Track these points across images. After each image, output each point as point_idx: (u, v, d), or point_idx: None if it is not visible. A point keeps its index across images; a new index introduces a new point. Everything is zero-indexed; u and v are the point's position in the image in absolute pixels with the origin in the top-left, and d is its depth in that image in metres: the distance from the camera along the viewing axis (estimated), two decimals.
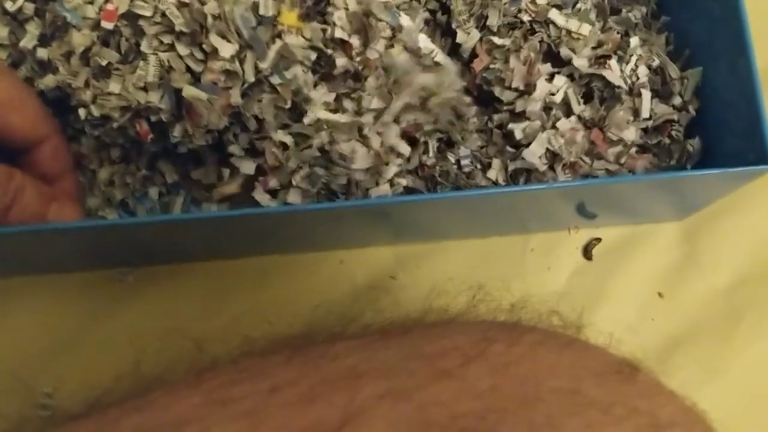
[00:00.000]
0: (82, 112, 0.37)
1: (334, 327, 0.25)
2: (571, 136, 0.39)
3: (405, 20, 0.37)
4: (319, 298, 0.43)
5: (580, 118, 0.40)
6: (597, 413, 0.21)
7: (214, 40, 0.34)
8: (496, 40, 0.39)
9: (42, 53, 0.38)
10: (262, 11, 0.34)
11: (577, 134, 0.39)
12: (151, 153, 0.42)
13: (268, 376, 0.21)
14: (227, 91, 0.35)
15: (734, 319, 0.43)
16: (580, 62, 0.39)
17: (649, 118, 0.40)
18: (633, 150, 0.40)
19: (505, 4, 0.40)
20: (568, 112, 0.40)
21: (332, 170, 0.38)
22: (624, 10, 0.42)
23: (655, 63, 0.40)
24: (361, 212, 0.37)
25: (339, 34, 0.36)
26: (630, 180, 0.37)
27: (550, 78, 0.39)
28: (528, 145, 0.39)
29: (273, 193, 0.39)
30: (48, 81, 0.38)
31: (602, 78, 0.39)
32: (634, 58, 0.40)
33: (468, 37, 0.40)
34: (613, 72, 0.39)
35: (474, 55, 0.40)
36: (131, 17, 0.36)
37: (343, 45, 0.36)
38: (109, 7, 0.36)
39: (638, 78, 0.40)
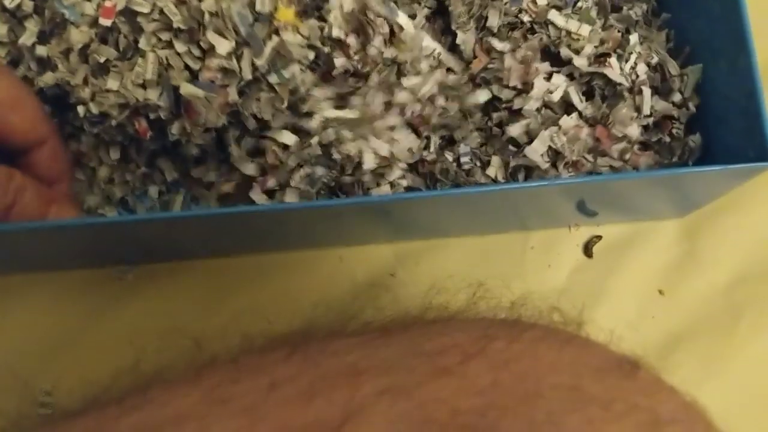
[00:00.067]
0: (80, 109, 0.37)
1: (334, 324, 0.25)
2: (575, 133, 0.39)
3: (404, 18, 0.37)
4: (319, 296, 0.43)
5: (581, 115, 0.39)
6: (597, 409, 0.21)
7: (211, 37, 0.34)
8: (496, 43, 0.39)
9: (41, 50, 0.38)
10: (258, 7, 0.34)
11: (581, 131, 0.39)
12: (151, 150, 0.42)
13: (268, 373, 0.21)
14: (225, 89, 0.35)
15: (734, 316, 0.43)
16: (581, 62, 0.39)
17: (650, 115, 0.40)
18: (635, 147, 0.40)
19: (505, 4, 0.40)
20: (568, 111, 0.40)
21: (334, 170, 0.38)
22: (625, 8, 0.42)
23: (655, 60, 0.40)
24: (360, 210, 0.37)
25: (336, 33, 0.36)
26: (629, 177, 0.37)
27: (549, 77, 0.39)
28: (529, 142, 0.39)
29: (270, 193, 0.39)
30: (47, 78, 0.37)
31: (603, 76, 0.39)
32: (633, 56, 0.40)
33: (468, 38, 0.40)
34: (614, 70, 0.39)
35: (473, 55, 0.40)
36: (129, 14, 0.36)
37: (341, 44, 0.36)
38: (108, 4, 0.36)
39: (638, 76, 0.40)
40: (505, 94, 0.40)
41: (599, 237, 0.44)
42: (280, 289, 0.43)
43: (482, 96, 0.40)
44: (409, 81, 0.37)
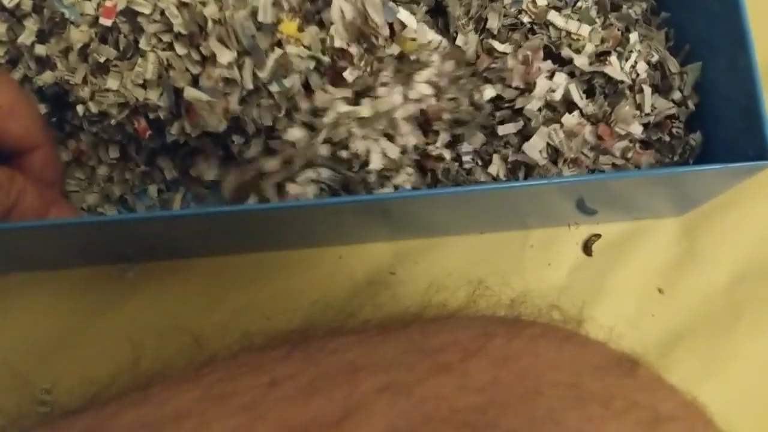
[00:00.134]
0: (80, 108, 0.37)
1: (333, 322, 0.25)
2: (578, 131, 0.39)
3: (404, 15, 0.37)
4: (318, 294, 0.43)
5: (582, 113, 0.39)
6: (597, 407, 0.21)
7: (214, 45, 0.34)
8: (497, 45, 0.39)
9: (40, 50, 0.38)
10: (261, 18, 0.34)
11: (584, 129, 0.39)
12: (150, 149, 0.42)
13: (267, 370, 0.21)
14: (226, 96, 0.35)
15: (734, 314, 0.43)
16: (581, 61, 0.39)
17: (651, 114, 0.40)
18: (637, 146, 0.40)
19: (505, 6, 0.40)
20: (570, 109, 0.40)
21: (339, 171, 0.38)
22: (624, 6, 0.42)
23: (655, 58, 0.40)
24: (360, 208, 0.37)
25: (338, 44, 0.36)
26: (628, 175, 0.37)
27: (551, 75, 0.39)
28: (527, 139, 0.39)
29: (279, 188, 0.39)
30: (46, 77, 0.37)
31: (604, 74, 0.39)
32: (634, 55, 0.40)
33: (468, 40, 0.40)
34: (614, 68, 0.39)
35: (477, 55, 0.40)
36: (130, 14, 0.36)
37: (343, 53, 0.36)
38: (108, 3, 0.36)
39: (638, 74, 0.40)
40: (508, 93, 0.40)
41: (598, 235, 0.44)
42: (280, 287, 0.43)
43: (489, 92, 0.40)
44: (421, 76, 0.37)
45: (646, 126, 0.40)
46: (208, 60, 0.35)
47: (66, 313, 0.42)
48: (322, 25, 0.36)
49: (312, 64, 0.36)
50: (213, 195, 0.43)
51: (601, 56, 0.39)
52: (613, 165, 0.40)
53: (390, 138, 0.39)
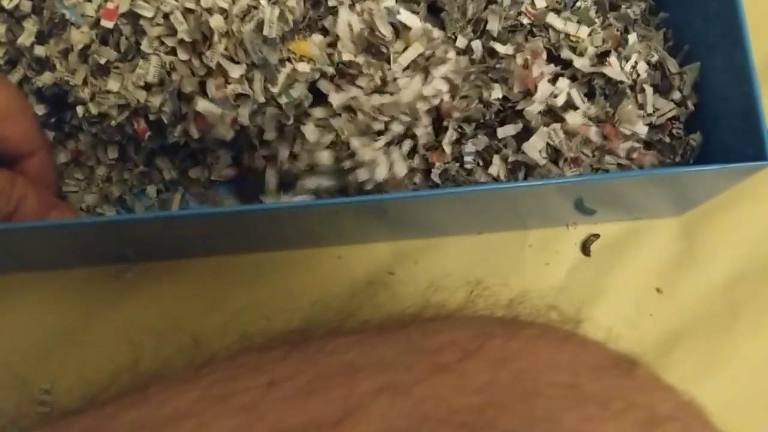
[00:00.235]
0: (80, 109, 0.37)
1: (332, 322, 0.25)
2: (582, 131, 0.39)
3: (406, 15, 0.37)
4: (317, 294, 0.43)
5: (584, 116, 0.39)
6: (595, 407, 0.21)
7: (221, 59, 0.34)
8: (499, 47, 0.39)
9: (39, 50, 0.38)
10: (266, 32, 0.34)
11: (589, 130, 0.39)
12: (149, 149, 0.42)
13: (266, 371, 0.21)
14: (236, 108, 0.36)
15: (732, 314, 0.43)
16: (582, 62, 0.39)
17: (653, 114, 0.40)
18: (641, 147, 0.40)
19: (504, 8, 0.40)
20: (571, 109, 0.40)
21: (342, 180, 0.38)
22: (623, 7, 0.42)
23: (655, 58, 0.40)
24: (359, 209, 0.37)
25: (346, 57, 0.36)
26: (628, 176, 0.37)
27: (554, 79, 0.39)
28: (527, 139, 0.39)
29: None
30: (45, 78, 0.37)
31: (603, 75, 0.39)
32: (634, 55, 0.40)
33: (468, 41, 0.40)
34: (614, 69, 0.39)
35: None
36: (132, 17, 0.36)
37: (351, 64, 0.36)
38: (110, 5, 0.36)
39: (639, 74, 0.40)
40: (512, 95, 0.40)
41: (597, 235, 0.44)
42: (279, 288, 0.43)
43: (497, 93, 0.40)
44: (438, 71, 0.37)
45: (649, 126, 0.40)
46: (213, 72, 0.35)
47: (65, 313, 0.42)
48: (326, 32, 0.37)
49: (317, 75, 0.36)
50: (223, 193, 0.44)
51: (600, 57, 0.39)
52: (618, 165, 0.40)
53: (411, 137, 0.38)
